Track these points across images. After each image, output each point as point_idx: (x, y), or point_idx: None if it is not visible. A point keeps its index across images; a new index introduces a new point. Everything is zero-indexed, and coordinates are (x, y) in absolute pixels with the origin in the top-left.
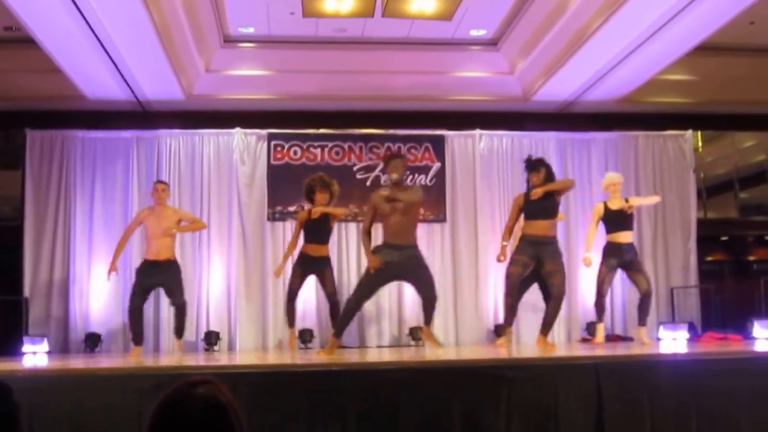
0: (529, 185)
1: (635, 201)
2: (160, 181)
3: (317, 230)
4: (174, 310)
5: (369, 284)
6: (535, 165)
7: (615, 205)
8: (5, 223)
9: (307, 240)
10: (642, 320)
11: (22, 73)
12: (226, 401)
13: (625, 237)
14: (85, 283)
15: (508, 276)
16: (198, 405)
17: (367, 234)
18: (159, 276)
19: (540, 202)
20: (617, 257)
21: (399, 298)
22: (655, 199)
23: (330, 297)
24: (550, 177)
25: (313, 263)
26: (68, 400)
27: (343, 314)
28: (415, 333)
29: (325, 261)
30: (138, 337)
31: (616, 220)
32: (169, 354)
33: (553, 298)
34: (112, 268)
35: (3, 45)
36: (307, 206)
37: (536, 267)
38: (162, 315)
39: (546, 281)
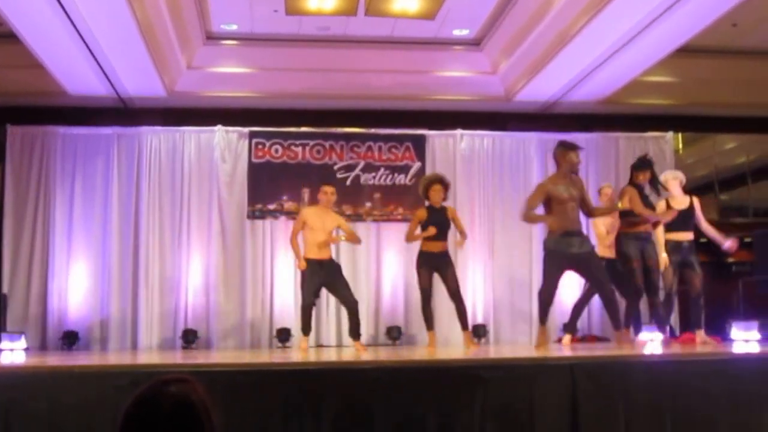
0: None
1: (696, 201)
2: (329, 184)
3: (439, 227)
4: (347, 311)
5: (550, 273)
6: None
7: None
8: None
9: (427, 237)
10: (699, 322)
11: (3, 69)
12: (198, 400)
13: (686, 236)
14: (63, 281)
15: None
16: (169, 404)
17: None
18: (325, 275)
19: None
20: (679, 255)
21: (377, 298)
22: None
23: (455, 294)
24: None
25: (435, 259)
26: (45, 397)
27: (540, 304)
28: (392, 332)
29: (447, 256)
30: (308, 328)
31: (677, 218)
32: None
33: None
34: (302, 264)
35: None
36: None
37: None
38: (140, 312)
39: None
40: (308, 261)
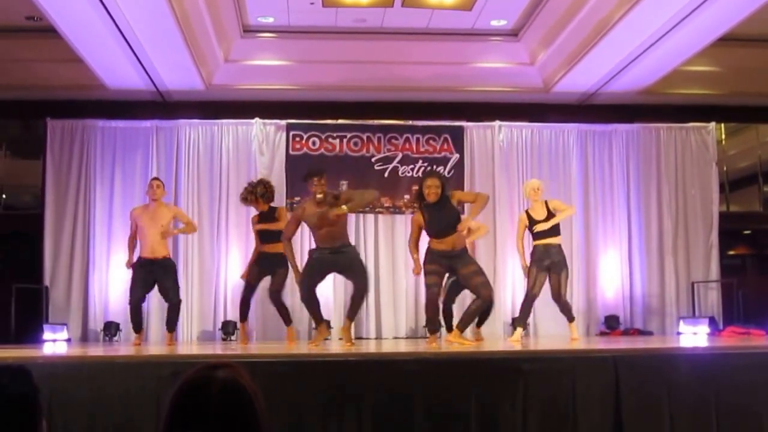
0: None
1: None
2: (155, 178)
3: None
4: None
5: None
6: None
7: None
8: (26, 211)
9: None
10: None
11: (44, 63)
12: (247, 384)
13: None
14: (104, 273)
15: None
16: (218, 387)
17: None
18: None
19: None
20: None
21: (416, 291)
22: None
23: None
24: None
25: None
26: (87, 386)
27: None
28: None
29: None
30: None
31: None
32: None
33: None
34: (129, 263)
35: (25, 34)
36: None
37: None
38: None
39: None
40: (140, 260)
